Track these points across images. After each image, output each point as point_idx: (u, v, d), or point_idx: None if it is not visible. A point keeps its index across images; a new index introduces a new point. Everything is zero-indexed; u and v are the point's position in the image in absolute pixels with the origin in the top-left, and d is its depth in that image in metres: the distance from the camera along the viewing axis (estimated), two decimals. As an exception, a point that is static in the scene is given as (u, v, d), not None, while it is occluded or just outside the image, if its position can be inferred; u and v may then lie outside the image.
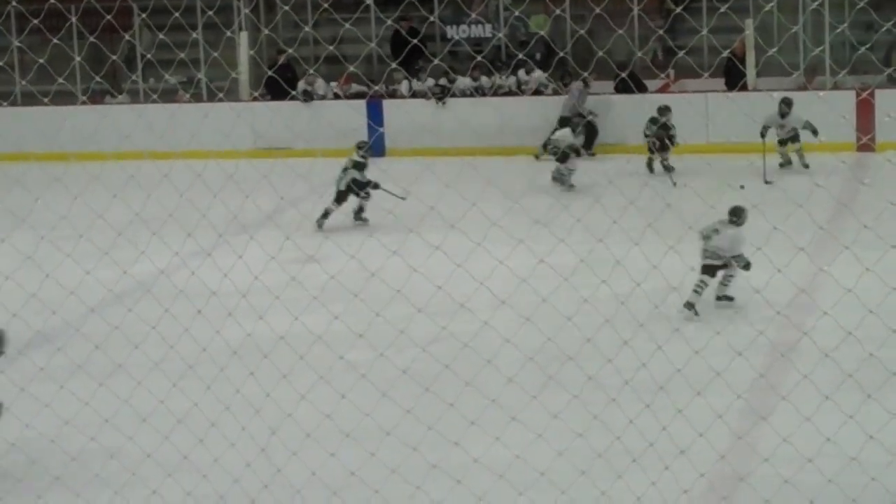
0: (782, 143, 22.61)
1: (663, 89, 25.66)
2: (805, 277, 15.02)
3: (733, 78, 24.62)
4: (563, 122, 24.11)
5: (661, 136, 22.54)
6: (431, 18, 25.41)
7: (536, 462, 10.65)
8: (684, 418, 10.32)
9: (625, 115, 24.79)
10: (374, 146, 25.11)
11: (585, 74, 23.51)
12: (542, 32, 26.88)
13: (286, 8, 23.49)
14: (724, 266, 14.92)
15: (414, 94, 26.81)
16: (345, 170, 20.29)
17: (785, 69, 21.70)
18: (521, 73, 26.67)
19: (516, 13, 26.24)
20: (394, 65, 23.88)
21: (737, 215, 14.83)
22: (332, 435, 10.89)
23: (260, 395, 11.07)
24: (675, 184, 21.23)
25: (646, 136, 22.99)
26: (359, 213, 20.51)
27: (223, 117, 19.83)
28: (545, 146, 24.33)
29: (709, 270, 14.78)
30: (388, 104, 26.51)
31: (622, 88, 25.23)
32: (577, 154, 22.54)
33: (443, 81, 26.50)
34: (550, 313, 11.40)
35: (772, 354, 13.17)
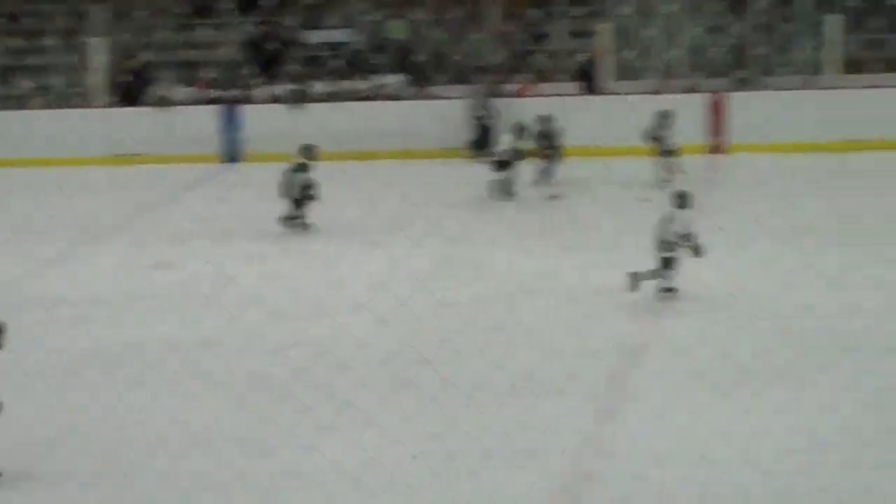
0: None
1: (521, 93, 25.82)
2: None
3: (588, 80, 24.83)
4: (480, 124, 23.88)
5: (544, 146, 22.15)
6: (289, 23, 25.24)
7: (391, 465, 10.63)
8: (536, 419, 10.37)
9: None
10: (233, 151, 24.96)
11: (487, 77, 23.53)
12: (399, 37, 26.83)
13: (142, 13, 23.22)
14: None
15: (272, 99, 26.67)
16: (293, 172, 19.42)
17: (642, 72, 21.96)
18: (379, 77, 26.66)
19: (374, 18, 26.21)
20: (251, 70, 23.60)
21: (682, 199, 14.74)
22: (183, 440, 10.78)
23: (112, 402, 10.93)
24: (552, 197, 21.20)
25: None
26: (295, 218, 19.70)
27: (76, 124, 19.54)
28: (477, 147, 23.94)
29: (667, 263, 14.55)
30: (246, 109, 26.33)
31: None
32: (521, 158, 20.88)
33: (301, 86, 26.39)
34: (408, 317, 11.41)
35: (624, 355, 13.30)
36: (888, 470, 9.68)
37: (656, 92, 24.36)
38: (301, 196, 17.05)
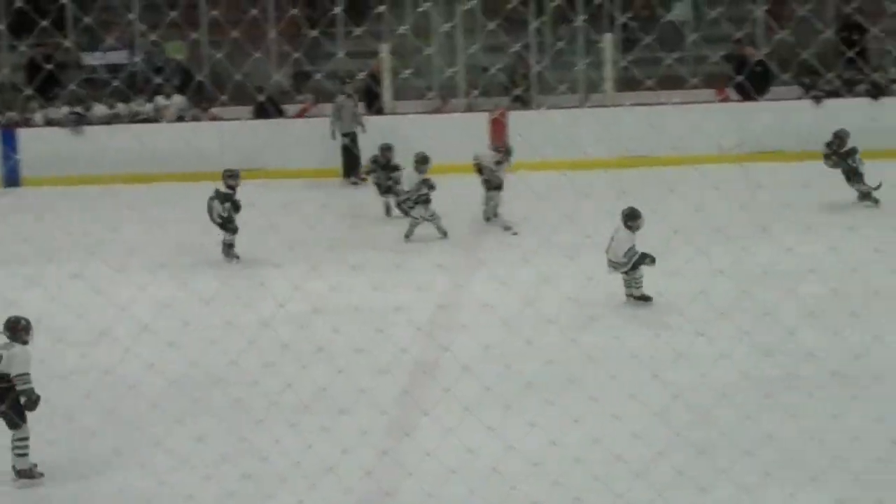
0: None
1: (302, 113, 25.83)
2: (445, 295, 15.38)
3: (371, 100, 24.98)
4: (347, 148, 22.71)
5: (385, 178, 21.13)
6: (66, 44, 24.87)
7: (182, 487, 10.56)
8: (330, 437, 10.41)
9: (266, 139, 24.79)
10: (10, 175, 24.44)
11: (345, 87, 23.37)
12: (179, 58, 26.62)
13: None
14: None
15: (49, 122, 26.21)
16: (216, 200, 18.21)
17: (421, 91, 22.17)
18: (160, 98, 26.42)
19: (153, 39, 25.94)
20: (28, 92, 23.17)
21: (632, 218, 14.87)
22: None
23: None
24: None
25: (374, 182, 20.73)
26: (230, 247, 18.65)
27: None
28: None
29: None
30: (22, 132, 25.83)
31: (260, 114, 25.25)
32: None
33: (79, 109, 25.99)
34: (195, 338, 11.34)
35: (415, 371, 13.43)
36: (679, 478, 9.96)
37: (436, 111, 24.63)
38: (221, 222, 16.44)
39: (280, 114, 25.40)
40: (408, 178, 18.14)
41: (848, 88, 23.59)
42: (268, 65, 23.97)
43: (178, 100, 26.36)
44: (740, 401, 10.61)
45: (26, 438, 10.46)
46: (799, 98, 23.97)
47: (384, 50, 25.32)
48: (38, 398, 10.30)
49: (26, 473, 10.51)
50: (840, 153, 19.21)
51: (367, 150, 21.05)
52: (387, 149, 19.98)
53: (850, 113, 23.05)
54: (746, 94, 23.11)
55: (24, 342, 10.45)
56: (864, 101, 23.73)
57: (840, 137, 19.46)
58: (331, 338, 13.88)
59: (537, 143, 21.26)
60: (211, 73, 25.92)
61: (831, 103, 23.54)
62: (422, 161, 18.28)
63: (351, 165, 23.23)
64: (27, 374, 10.23)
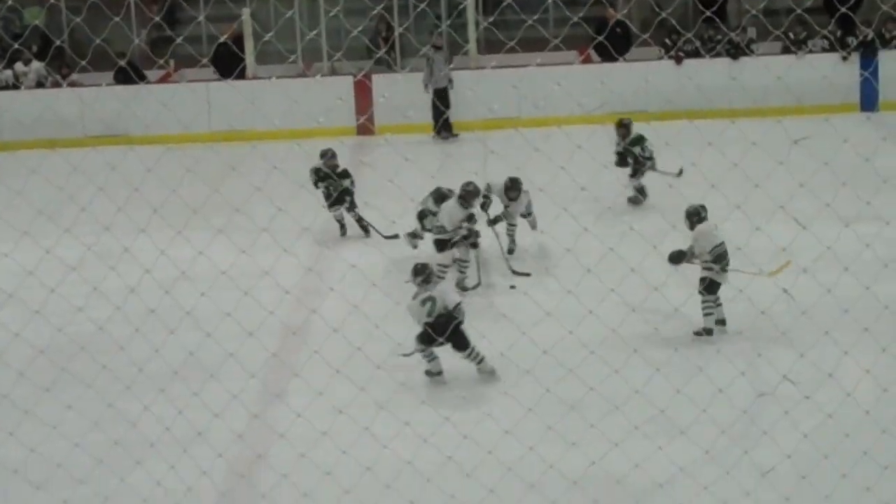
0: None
1: (164, 79, 25.56)
2: (312, 258, 15.40)
3: (232, 64, 24.69)
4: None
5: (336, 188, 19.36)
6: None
7: (52, 456, 10.49)
8: (200, 401, 10.38)
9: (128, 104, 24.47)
10: None
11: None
12: (37, 23, 26.19)
13: None
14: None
15: None
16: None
17: (283, 56, 22.06)
18: (19, 65, 25.97)
19: (9, 3, 25.49)
20: None
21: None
22: None
23: None
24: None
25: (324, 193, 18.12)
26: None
27: None
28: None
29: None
30: None
31: (122, 79, 24.89)
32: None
33: (-66, 76, 25.50)
34: (61, 305, 11.20)
35: (284, 334, 13.42)
36: (548, 433, 10.07)
37: (301, 75, 24.52)
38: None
39: (142, 79, 25.09)
40: (448, 212, 14.81)
41: (708, 48, 23.90)
42: (128, 29, 23.67)
43: (36, 66, 25.92)
44: (608, 356, 10.76)
45: None
46: (660, 58, 24.24)
47: (245, 13, 25.10)
48: None
49: None
50: (628, 146, 18.13)
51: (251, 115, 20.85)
52: (330, 156, 17.52)
53: (710, 72, 23.43)
54: (608, 55, 23.31)
55: None
56: (724, 61, 24.08)
57: (625, 126, 18.44)
58: (197, 302, 13.82)
59: (401, 106, 21.30)
60: (70, 39, 25.54)
61: (692, 63, 23.86)
62: (471, 195, 14.91)
63: (442, 122, 23.14)
64: None
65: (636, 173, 18.16)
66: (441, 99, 22.65)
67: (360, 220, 17.39)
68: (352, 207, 17.40)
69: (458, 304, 12.35)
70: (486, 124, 22.68)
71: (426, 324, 12.20)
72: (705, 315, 13.12)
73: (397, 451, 10.74)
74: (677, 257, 12.89)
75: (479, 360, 12.42)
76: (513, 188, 15.53)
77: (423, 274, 12.37)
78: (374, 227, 16.89)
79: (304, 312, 13.84)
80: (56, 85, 25.42)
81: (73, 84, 25.20)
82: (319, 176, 17.39)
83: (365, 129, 23.40)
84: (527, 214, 16.02)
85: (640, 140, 18.10)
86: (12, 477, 10.40)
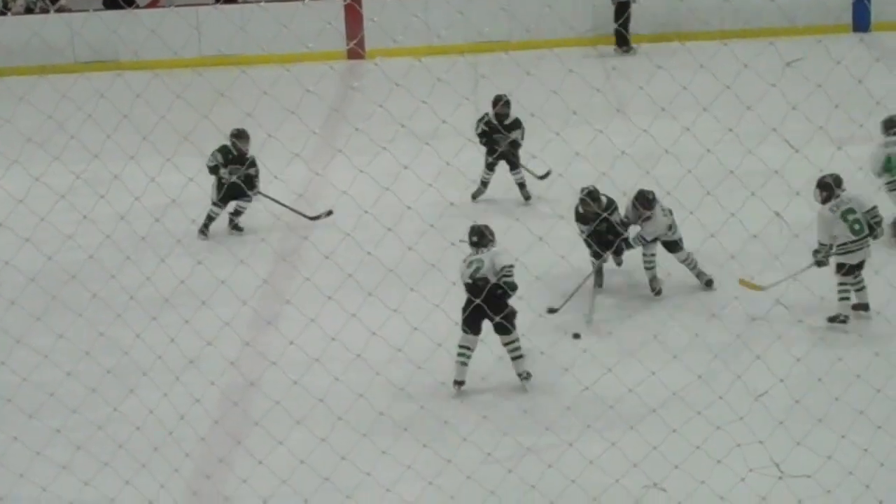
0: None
1: (153, 4, 25.39)
2: (303, 183, 15.33)
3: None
4: None
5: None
6: None
7: (44, 385, 10.50)
8: (192, 329, 10.36)
9: (117, 29, 24.32)
10: None
11: None
12: (23, -52, 25.97)
13: None
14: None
15: None
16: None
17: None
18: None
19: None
20: None
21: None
22: None
23: None
24: None
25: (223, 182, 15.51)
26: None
27: None
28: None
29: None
30: None
31: (111, 5, 24.73)
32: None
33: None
34: (51, 233, 11.14)
35: (275, 261, 13.40)
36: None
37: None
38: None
39: (130, 4, 24.93)
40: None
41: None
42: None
43: (24, -9, 25.74)
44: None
45: None
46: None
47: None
48: None
49: None
50: (502, 128, 15.71)
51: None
52: (239, 136, 15.40)
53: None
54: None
55: None
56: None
57: (505, 103, 15.82)
58: (188, 229, 13.80)
59: (392, 30, 21.14)
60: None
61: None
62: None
63: (622, 36, 23.27)
64: None
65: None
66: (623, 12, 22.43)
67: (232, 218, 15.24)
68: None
69: (508, 266, 11.26)
70: (476, 48, 22.56)
71: (465, 285, 11.37)
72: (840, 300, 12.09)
73: (390, 377, 10.76)
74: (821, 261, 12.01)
75: (517, 356, 11.40)
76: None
77: (477, 234, 11.56)
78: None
79: (295, 239, 13.82)
80: (45, 11, 25.25)
81: (61, 10, 25.04)
82: (224, 158, 15.22)
83: (355, 53, 23.27)
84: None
85: (517, 125, 15.92)
86: (5, 405, 10.42)
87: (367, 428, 10.23)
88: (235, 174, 14.89)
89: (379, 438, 10.03)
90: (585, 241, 12.74)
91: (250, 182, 14.87)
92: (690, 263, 12.91)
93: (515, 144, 15.83)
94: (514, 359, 11.43)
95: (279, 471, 9.68)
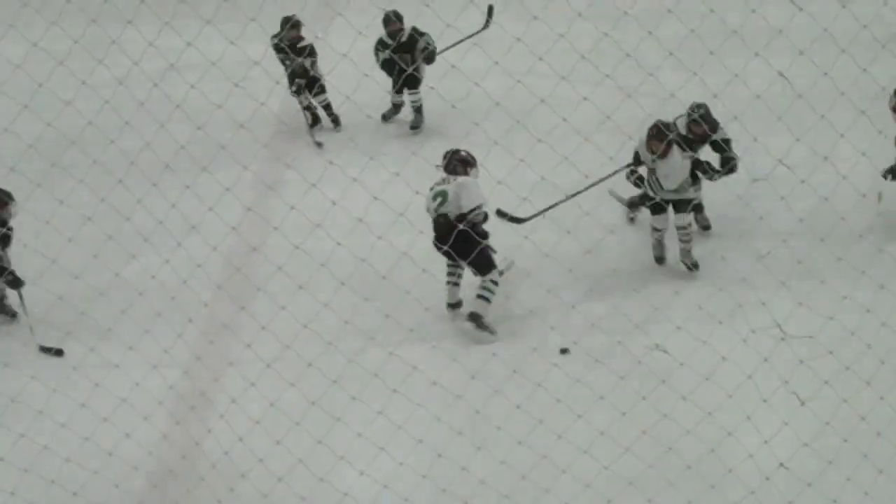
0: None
1: None
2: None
3: None
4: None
5: None
6: None
7: (46, 250, 10.49)
8: (193, 195, 10.28)
9: None
10: None
11: None
12: None
13: None
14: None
15: None
16: None
17: None
18: None
19: None
20: None
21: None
22: None
23: None
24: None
25: None
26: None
27: None
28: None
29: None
30: None
31: None
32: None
33: None
34: (49, 99, 11.05)
35: (276, 125, 13.29)
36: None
37: None
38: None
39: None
40: None
41: None
42: None
43: None
44: (599, 141, 10.72)
45: None
46: None
47: None
48: None
49: None
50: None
51: None
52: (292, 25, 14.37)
53: None
54: None
55: None
56: None
57: (391, 17, 14.40)
58: (188, 94, 13.67)
59: None
60: None
61: None
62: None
63: None
64: None
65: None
66: None
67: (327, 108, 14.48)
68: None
69: (477, 208, 10.54)
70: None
71: (433, 221, 10.73)
72: None
73: (392, 241, 10.74)
74: None
75: (483, 297, 10.64)
76: None
77: (446, 157, 10.83)
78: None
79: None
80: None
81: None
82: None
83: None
84: None
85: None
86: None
87: (371, 292, 10.23)
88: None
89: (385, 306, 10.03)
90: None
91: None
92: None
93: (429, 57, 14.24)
94: (477, 296, 10.79)
95: (282, 335, 9.71)
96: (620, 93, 11.20)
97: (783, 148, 10.78)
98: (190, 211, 10.37)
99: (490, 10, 15.22)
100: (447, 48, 14.09)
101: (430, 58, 14.04)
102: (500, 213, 11.17)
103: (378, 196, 9.87)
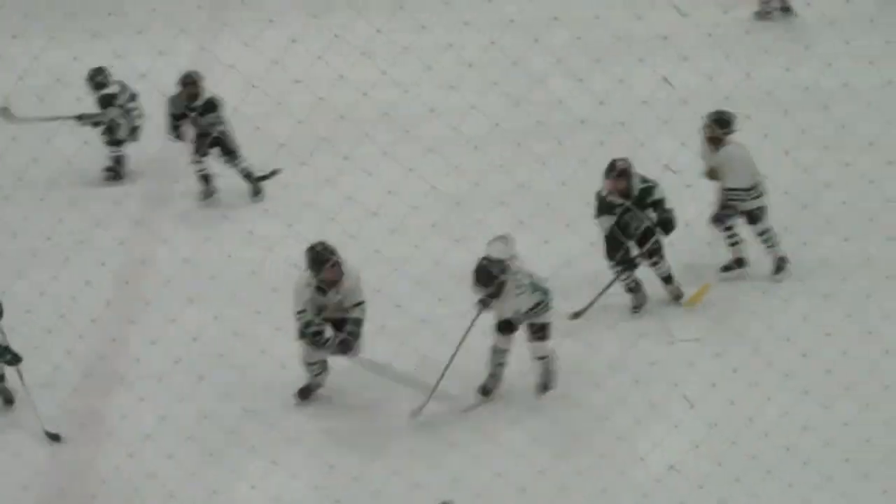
0: None
1: None
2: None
3: None
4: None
5: None
6: None
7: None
8: (81, 210, 10.22)
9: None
10: None
11: None
12: None
13: None
14: None
15: None
16: None
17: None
18: None
19: None
20: None
21: None
22: None
23: None
24: None
25: None
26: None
27: None
28: None
29: None
30: None
31: None
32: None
33: None
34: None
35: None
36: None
37: None
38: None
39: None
40: None
41: None
42: None
43: None
44: (491, 152, 10.73)
45: None
46: None
47: None
48: None
49: None
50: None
51: None
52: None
53: None
54: None
55: None
56: None
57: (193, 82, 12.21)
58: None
59: None
60: None
61: None
62: None
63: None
64: None
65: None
66: None
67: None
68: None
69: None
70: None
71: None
72: None
73: (283, 253, 10.62)
74: None
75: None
76: None
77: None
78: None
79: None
80: None
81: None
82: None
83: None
84: None
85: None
86: None
87: (262, 306, 10.15)
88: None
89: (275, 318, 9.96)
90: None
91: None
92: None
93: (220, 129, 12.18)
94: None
95: (173, 349, 9.64)
96: (508, 100, 11.29)
97: (669, 152, 10.84)
98: (77, 226, 10.26)
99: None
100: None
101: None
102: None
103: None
